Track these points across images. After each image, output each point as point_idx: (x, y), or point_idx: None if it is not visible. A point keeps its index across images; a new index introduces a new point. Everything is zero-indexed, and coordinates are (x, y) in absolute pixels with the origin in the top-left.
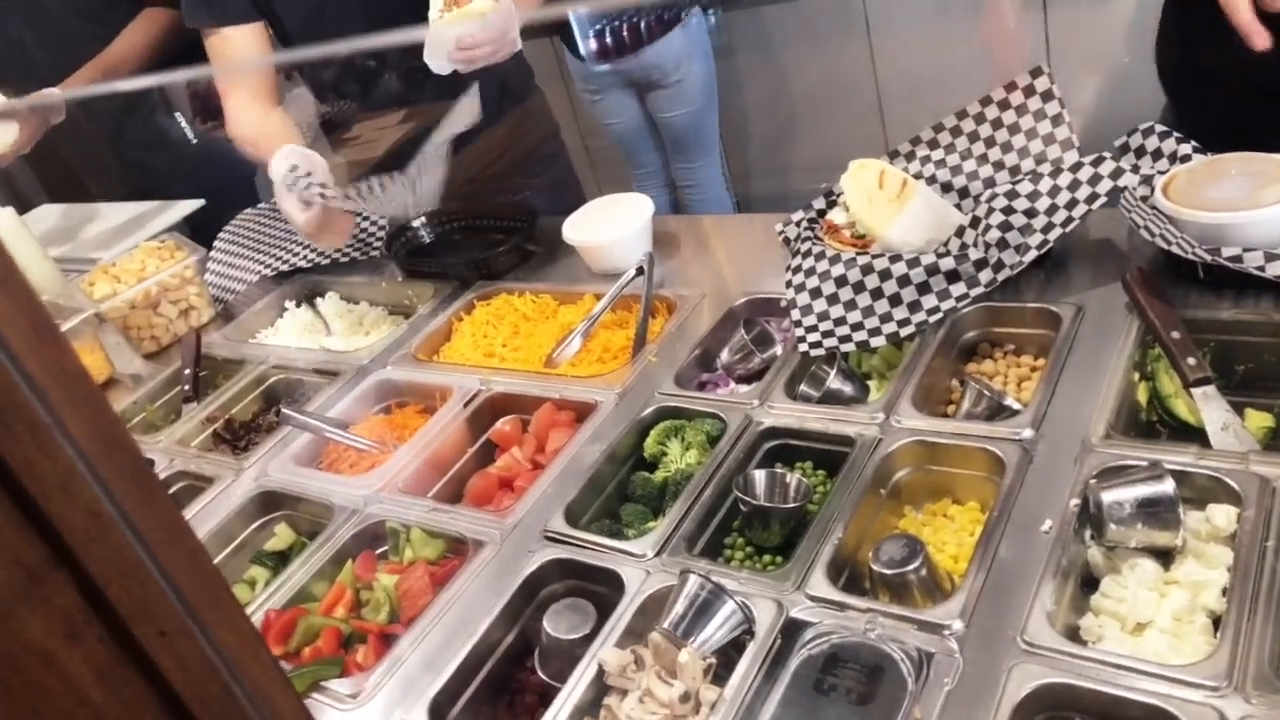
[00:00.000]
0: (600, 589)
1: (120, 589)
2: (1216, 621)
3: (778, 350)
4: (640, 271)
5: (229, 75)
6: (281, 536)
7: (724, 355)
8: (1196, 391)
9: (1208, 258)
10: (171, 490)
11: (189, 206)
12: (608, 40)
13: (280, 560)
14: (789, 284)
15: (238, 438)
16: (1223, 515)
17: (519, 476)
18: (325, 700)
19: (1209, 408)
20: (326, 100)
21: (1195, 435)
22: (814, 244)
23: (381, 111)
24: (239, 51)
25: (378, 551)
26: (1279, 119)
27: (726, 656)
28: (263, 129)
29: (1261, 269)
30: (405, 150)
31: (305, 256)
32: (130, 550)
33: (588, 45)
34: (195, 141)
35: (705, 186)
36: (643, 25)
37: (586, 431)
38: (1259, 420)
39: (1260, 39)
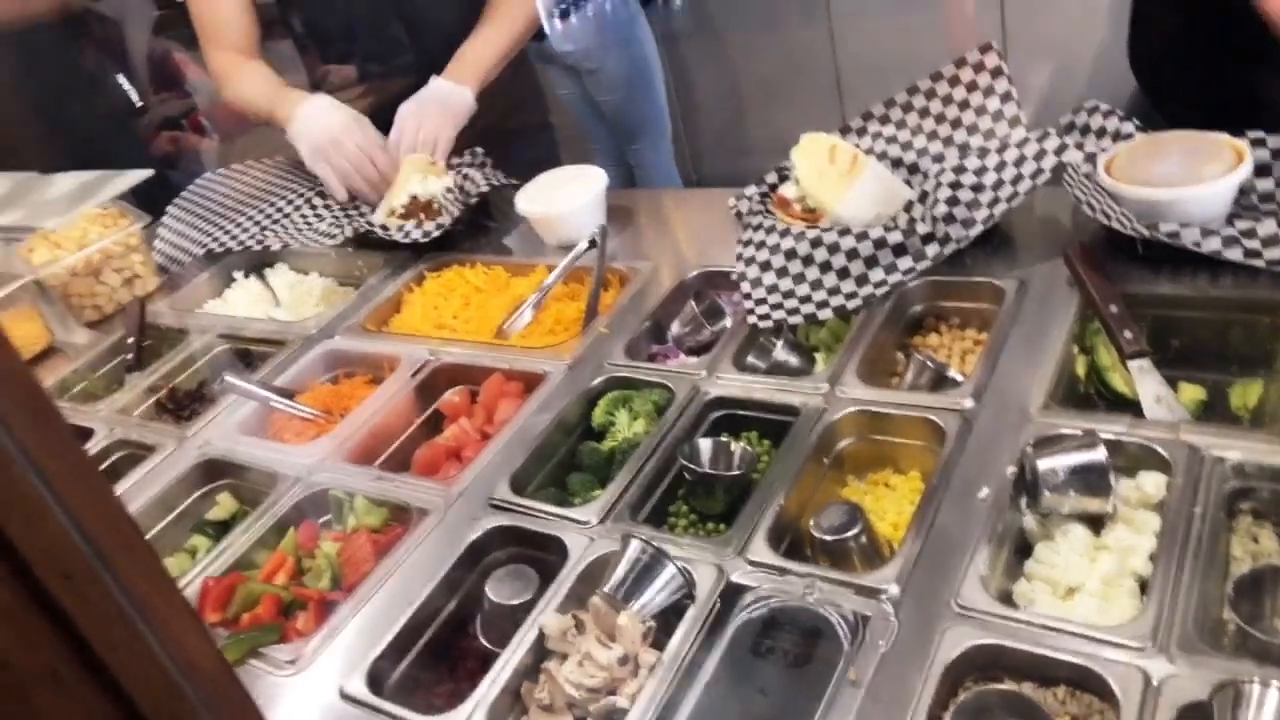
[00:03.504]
0: (544, 556)
1: (21, 529)
2: (1144, 585)
3: (727, 322)
4: (593, 244)
5: (211, 37)
6: (223, 505)
7: (674, 327)
8: (1132, 364)
9: (1146, 233)
10: (111, 459)
11: (137, 176)
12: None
13: (222, 530)
14: (739, 257)
15: (181, 407)
16: (1153, 483)
17: (466, 447)
18: (264, 667)
19: (1144, 380)
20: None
21: (1130, 407)
22: (765, 218)
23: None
24: (222, 10)
25: (321, 520)
26: (1251, 104)
27: (667, 620)
28: (251, 81)
29: (1198, 245)
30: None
31: (256, 236)
32: (31, 489)
33: None
34: (140, 104)
35: (651, 169)
36: (551, 13)
37: (535, 402)
38: (1191, 393)
39: None
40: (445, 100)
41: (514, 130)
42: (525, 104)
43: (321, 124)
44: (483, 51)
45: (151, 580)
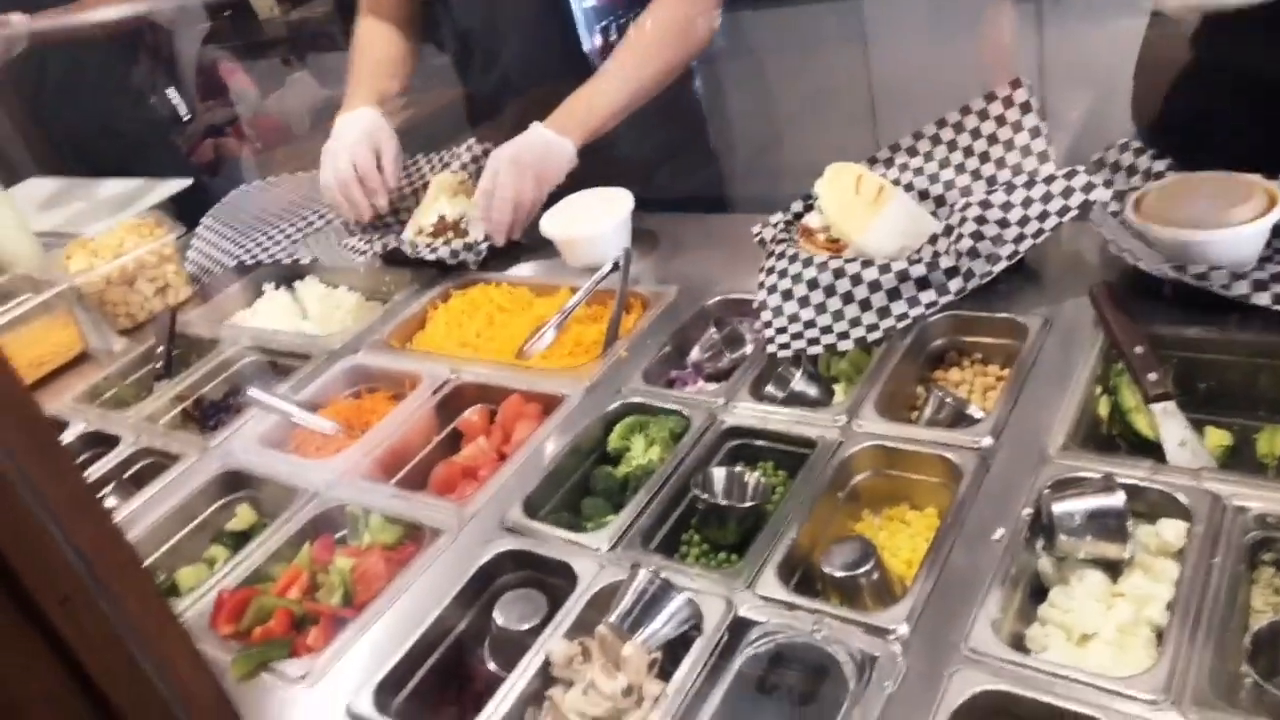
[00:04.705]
0: (554, 581)
1: (20, 553)
2: (1160, 635)
3: (748, 350)
4: (616, 266)
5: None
6: (243, 517)
7: (694, 353)
8: (1156, 407)
9: (1173, 275)
10: (135, 467)
11: (176, 185)
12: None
13: (241, 540)
14: (761, 285)
15: (206, 417)
16: (1172, 530)
17: (483, 467)
18: (274, 681)
19: (1168, 424)
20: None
21: (1154, 450)
22: (788, 246)
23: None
24: None
25: (337, 535)
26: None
27: (673, 652)
28: (358, 59)
29: (1226, 288)
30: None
31: (287, 250)
32: (32, 515)
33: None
34: (188, 118)
35: None
36: (591, 30)
37: (552, 424)
38: (1218, 439)
39: None
40: (544, 154)
41: (678, 167)
42: (691, 137)
43: (339, 133)
44: (596, 102)
45: (149, 607)
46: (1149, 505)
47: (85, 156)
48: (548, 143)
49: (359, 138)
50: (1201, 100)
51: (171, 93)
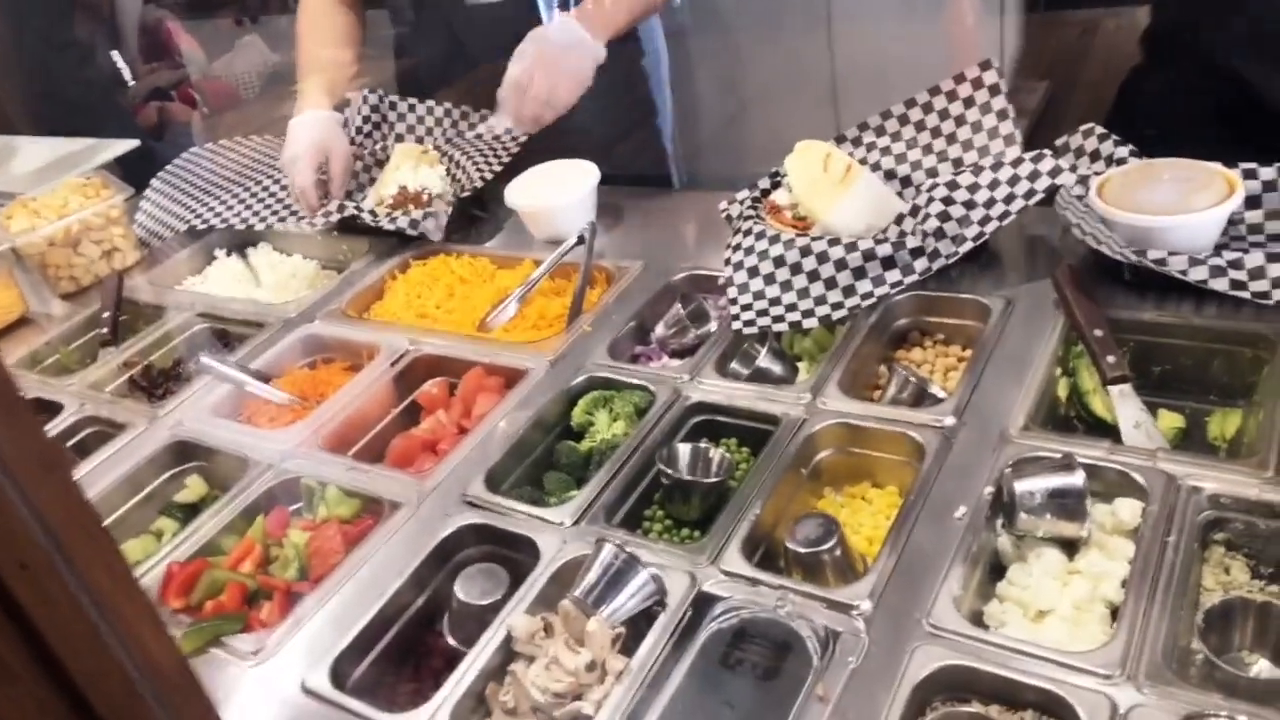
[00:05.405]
0: (517, 556)
1: None
2: (1115, 612)
3: (712, 327)
4: (581, 240)
5: None
6: (193, 488)
7: (659, 329)
8: (1113, 389)
9: (1134, 259)
10: (79, 436)
11: (123, 146)
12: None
13: (190, 513)
14: (727, 261)
15: (155, 386)
16: (1128, 509)
17: (443, 440)
18: (226, 656)
19: (1124, 405)
20: None
21: (1109, 431)
22: (755, 223)
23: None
24: None
25: (292, 508)
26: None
27: (637, 627)
28: (303, 46)
29: (1184, 273)
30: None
31: (240, 215)
32: None
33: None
34: (132, 82)
35: None
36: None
37: (515, 398)
38: (1170, 421)
39: None
40: (576, 51)
41: (631, 143)
42: (640, 112)
43: (290, 141)
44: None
45: (113, 576)
46: (1105, 485)
47: (28, 117)
48: (581, 40)
49: (306, 149)
50: (1159, 96)
51: (116, 55)
